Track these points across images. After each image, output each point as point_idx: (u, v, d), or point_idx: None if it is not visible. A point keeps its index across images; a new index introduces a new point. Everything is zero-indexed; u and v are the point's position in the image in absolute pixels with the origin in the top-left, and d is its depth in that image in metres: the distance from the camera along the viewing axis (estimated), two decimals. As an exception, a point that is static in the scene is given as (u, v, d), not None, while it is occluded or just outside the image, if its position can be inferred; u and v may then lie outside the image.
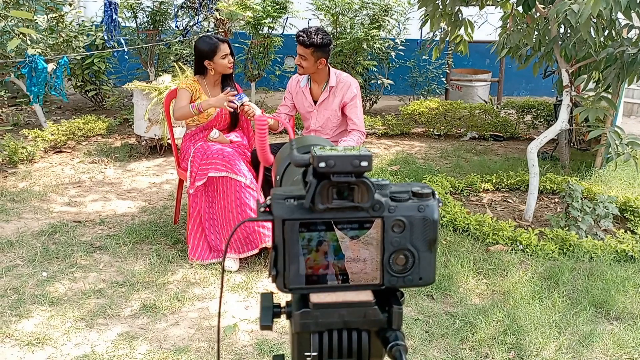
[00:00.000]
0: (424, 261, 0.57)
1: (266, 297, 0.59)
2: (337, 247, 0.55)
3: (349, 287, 0.57)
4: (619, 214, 3.84)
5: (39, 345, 2.41)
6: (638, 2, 3.05)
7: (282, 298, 0.58)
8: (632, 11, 3.32)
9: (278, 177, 0.72)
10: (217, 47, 3.18)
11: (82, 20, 6.32)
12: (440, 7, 3.79)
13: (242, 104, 3.15)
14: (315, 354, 0.57)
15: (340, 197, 0.54)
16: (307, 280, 0.56)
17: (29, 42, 4.98)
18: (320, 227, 0.55)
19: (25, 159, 4.71)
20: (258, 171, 3.20)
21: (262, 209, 0.56)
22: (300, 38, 3.15)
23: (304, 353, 0.57)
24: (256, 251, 3.13)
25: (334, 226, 0.55)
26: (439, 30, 4.23)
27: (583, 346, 2.52)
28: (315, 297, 0.57)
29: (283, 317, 0.59)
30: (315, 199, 0.53)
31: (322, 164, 0.53)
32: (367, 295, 0.57)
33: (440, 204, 0.58)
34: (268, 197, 0.57)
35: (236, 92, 3.17)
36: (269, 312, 0.58)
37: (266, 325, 0.58)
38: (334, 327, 0.57)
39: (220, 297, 0.63)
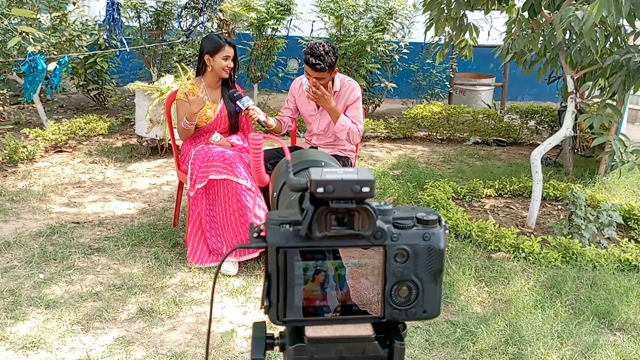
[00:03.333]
0: (429, 293, 0.53)
1: (258, 327, 0.55)
2: (335, 277, 0.52)
3: (348, 320, 0.53)
4: (622, 222, 3.79)
5: (34, 349, 2.37)
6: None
7: (276, 328, 0.55)
8: (636, 18, 3.29)
9: (275, 193, 0.68)
10: (222, 46, 3.17)
11: (86, 20, 6.30)
12: (446, 11, 3.76)
13: (246, 108, 3.12)
14: None
15: (340, 224, 0.50)
16: (303, 312, 0.52)
17: (31, 41, 4.96)
18: (317, 255, 0.51)
19: (25, 158, 4.68)
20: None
21: (255, 234, 0.52)
22: (318, 66, 3.01)
23: None
24: (256, 255, 3.10)
25: (332, 255, 0.51)
26: (444, 35, 4.20)
27: (585, 357, 2.48)
28: (311, 331, 0.53)
29: (276, 348, 0.55)
30: (313, 227, 0.50)
31: (320, 189, 0.49)
32: (366, 330, 0.53)
33: (447, 231, 0.54)
34: (262, 222, 0.53)
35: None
36: (261, 343, 0.54)
37: (257, 358, 0.54)
38: None
39: (211, 309, 0.60)
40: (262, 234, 0.52)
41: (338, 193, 0.49)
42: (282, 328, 0.56)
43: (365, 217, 0.50)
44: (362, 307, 0.52)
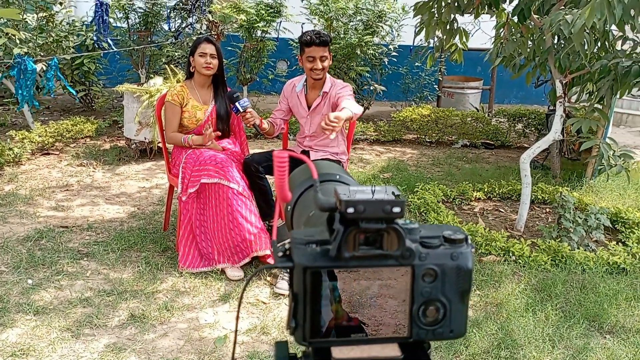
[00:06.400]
0: (456, 313, 0.53)
1: (280, 347, 0.55)
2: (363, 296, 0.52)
3: (374, 340, 0.53)
4: (610, 225, 3.84)
5: (23, 356, 2.34)
6: (632, 14, 3.05)
7: (298, 348, 0.54)
8: (626, 24, 3.33)
9: (289, 207, 0.67)
10: (199, 43, 3.22)
11: (73, 20, 6.23)
12: (436, 15, 3.77)
13: (244, 110, 3.08)
14: None
15: (367, 244, 0.50)
16: (329, 332, 0.52)
17: (17, 42, 4.89)
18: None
19: (11, 160, 4.62)
20: (250, 180, 3.15)
21: (280, 254, 0.52)
22: (323, 38, 3.12)
23: None
24: (248, 259, 3.09)
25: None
26: (433, 39, 4.22)
27: (577, 361, 2.50)
28: (338, 352, 0.53)
29: None
30: (342, 247, 0.50)
31: (351, 210, 0.49)
32: (393, 350, 0.53)
33: (473, 250, 0.54)
34: (287, 241, 0.52)
35: (217, 133, 3.21)
36: None
37: None
38: None
39: (235, 336, 0.59)
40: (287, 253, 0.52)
41: (369, 213, 0.49)
42: (303, 348, 0.55)
43: (394, 237, 0.50)
44: (389, 327, 0.52)
